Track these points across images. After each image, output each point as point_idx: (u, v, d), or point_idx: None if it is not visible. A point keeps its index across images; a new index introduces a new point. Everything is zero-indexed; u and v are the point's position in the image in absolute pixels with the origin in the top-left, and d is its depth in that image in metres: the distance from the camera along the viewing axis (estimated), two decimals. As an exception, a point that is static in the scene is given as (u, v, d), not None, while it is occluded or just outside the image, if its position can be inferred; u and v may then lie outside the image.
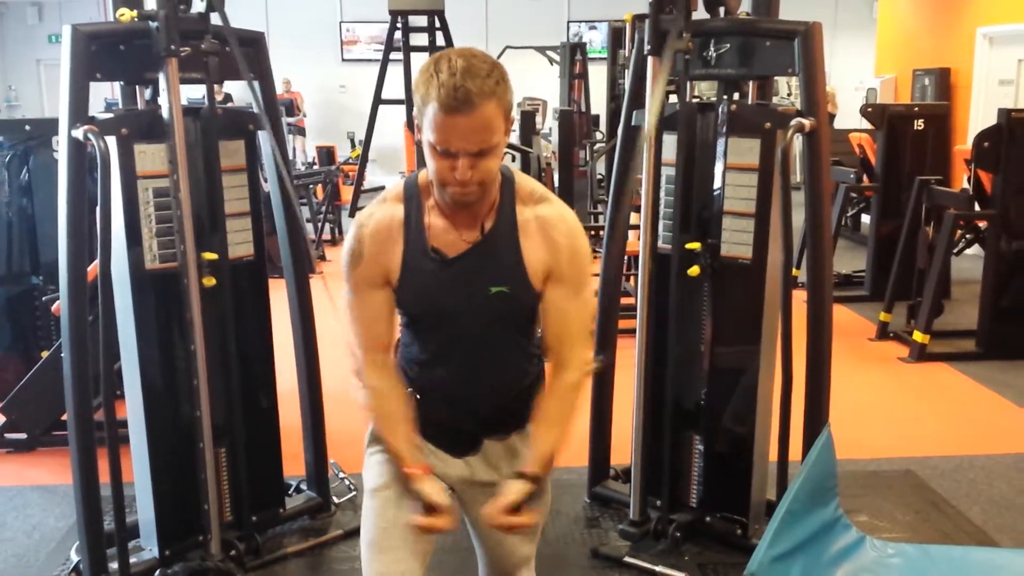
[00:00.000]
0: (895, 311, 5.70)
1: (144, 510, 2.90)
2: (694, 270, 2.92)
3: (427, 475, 1.74)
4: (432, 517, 1.70)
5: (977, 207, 5.43)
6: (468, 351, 1.78)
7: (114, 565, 2.71)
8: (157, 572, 2.81)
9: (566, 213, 1.78)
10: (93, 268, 2.67)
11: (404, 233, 1.73)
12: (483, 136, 1.56)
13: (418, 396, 1.83)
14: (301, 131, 14.38)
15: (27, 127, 4.56)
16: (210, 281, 2.77)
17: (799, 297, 2.75)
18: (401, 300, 1.77)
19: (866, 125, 7.28)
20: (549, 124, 9.31)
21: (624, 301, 3.45)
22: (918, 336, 5.26)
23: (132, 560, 2.76)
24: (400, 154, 10.51)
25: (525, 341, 1.85)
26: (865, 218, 8.47)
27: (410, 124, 7.34)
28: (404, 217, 1.74)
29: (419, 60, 7.62)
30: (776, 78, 3.13)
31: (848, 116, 10.40)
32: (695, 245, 2.96)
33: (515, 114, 1.71)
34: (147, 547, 2.91)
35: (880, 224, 6.72)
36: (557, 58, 9.90)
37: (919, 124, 6.65)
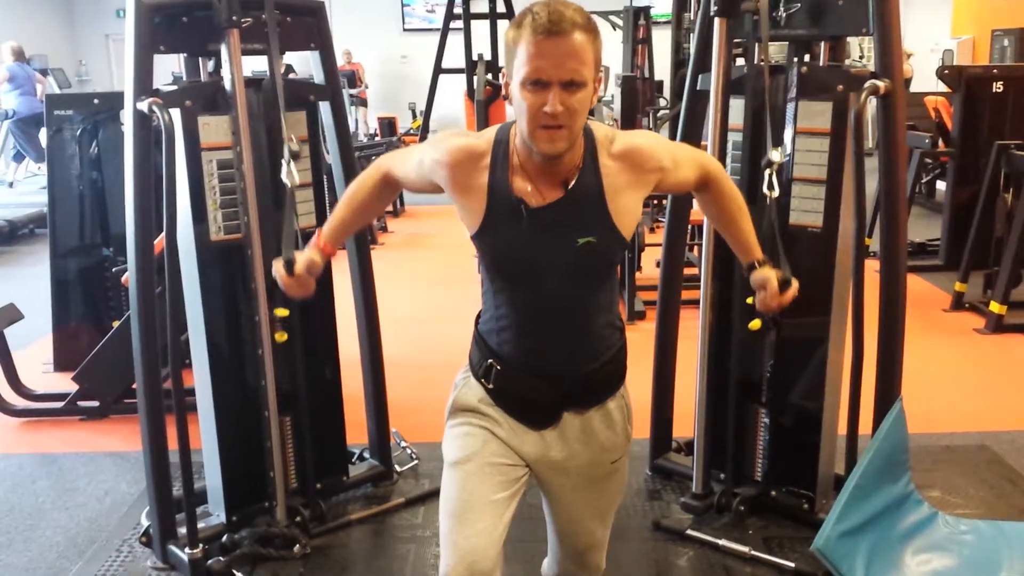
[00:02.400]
0: (971, 281, 5.53)
1: (212, 477, 2.96)
2: (755, 324, 2.73)
3: (324, 252, 1.92)
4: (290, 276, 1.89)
5: (1060, 172, 5.22)
6: (551, 313, 1.76)
7: (183, 530, 2.77)
8: (224, 537, 2.87)
9: (634, 136, 1.77)
10: (160, 240, 2.71)
11: (489, 176, 1.72)
12: (574, 65, 1.56)
13: (498, 367, 1.81)
14: (363, 102, 14.45)
15: (96, 100, 4.65)
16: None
17: (871, 267, 2.66)
18: (484, 244, 1.76)
19: (942, 88, 7.03)
20: (612, 91, 9.19)
21: (687, 271, 3.39)
22: (995, 307, 5.09)
23: (200, 525, 2.81)
24: (461, 124, 10.49)
25: (607, 306, 1.82)
26: (940, 185, 8.22)
27: (470, 93, 7.32)
28: (491, 160, 1.72)
29: (480, 28, 7.56)
30: (849, 39, 3.01)
31: (924, 79, 10.06)
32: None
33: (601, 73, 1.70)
34: (215, 512, 2.97)
35: (956, 191, 6.51)
36: (620, 23, 9.74)
37: (998, 86, 6.39)
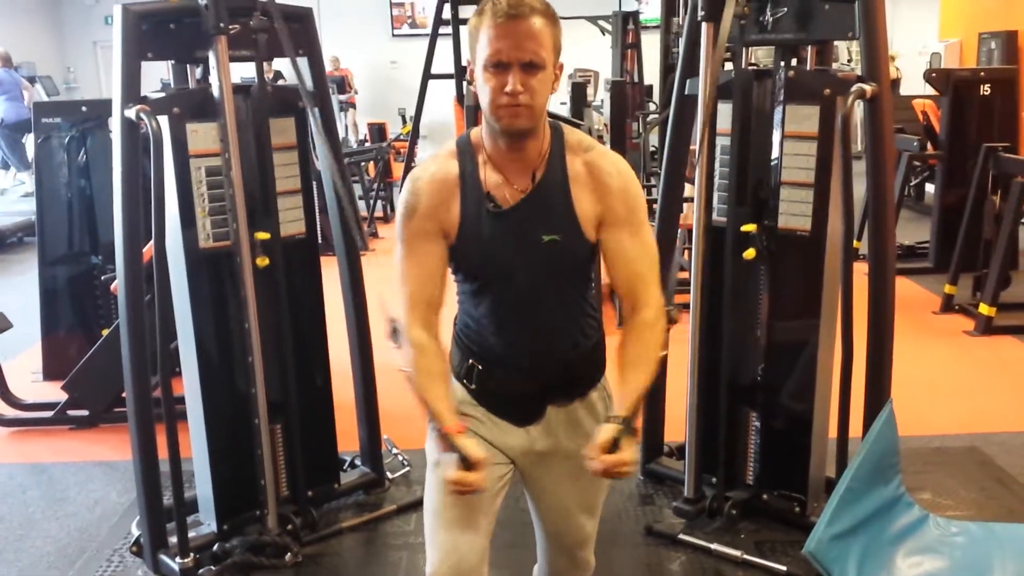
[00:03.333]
0: (960, 283, 5.55)
1: (202, 485, 2.94)
2: (749, 253, 2.84)
3: (464, 433, 1.69)
4: (469, 472, 1.64)
5: (1047, 174, 5.23)
6: (526, 310, 1.77)
7: (174, 539, 2.76)
8: (215, 546, 2.86)
9: (615, 158, 1.79)
10: (149, 248, 2.70)
11: (460, 188, 1.75)
12: (533, 46, 1.61)
13: (479, 366, 1.83)
14: (352, 106, 14.44)
15: (84, 108, 4.63)
16: (263, 261, 2.78)
17: (860, 270, 2.67)
18: (459, 255, 1.77)
19: (930, 91, 7.06)
20: (601, 96, 9.19)
21: (678, 275, 3.39)
22: (984, 309, 5.11)
23: (191, 534, 2.80)
24: (450, 129, 10.48)
25: (582, 300, 1.83)
26: (929, 187, 8.25)
27: (460, 99, 7.32)
28: (459, 172, 1.75)
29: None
30: (836, 43, 3.02)
31: (912, 82, 10.10)
32: (751, 227, 2.88)
33: (566, 66, 1.71)
34: (205, 521, 2.96)
35: (945, 193, 6.53)
36: (609, 28, 9.75)
37: (985, 89, 6.43)
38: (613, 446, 1.61)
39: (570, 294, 1.81)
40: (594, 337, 1.86)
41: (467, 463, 1.63)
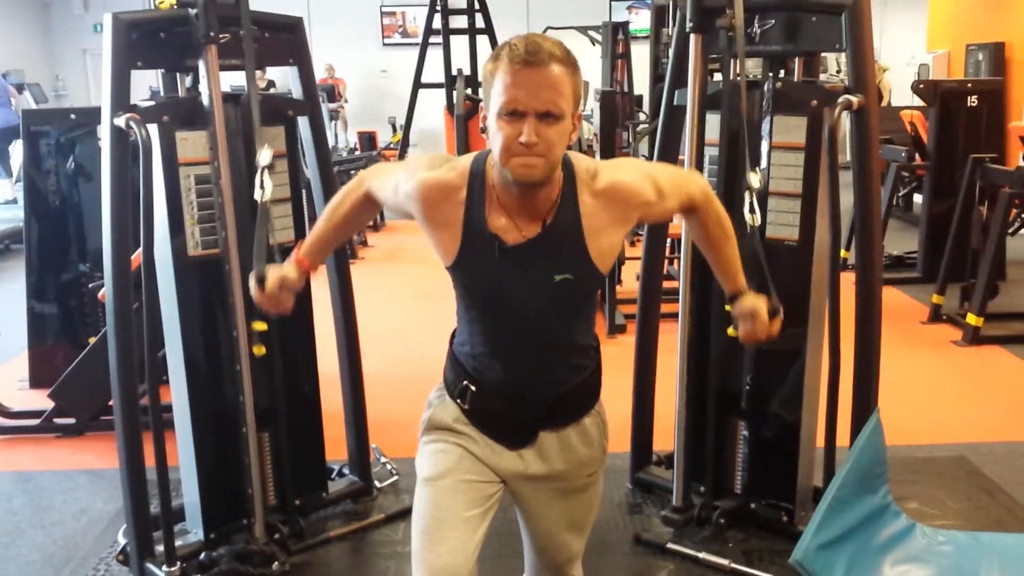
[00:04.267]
0: (948, 293, 5.57)
1: (189, 494, 2.93)
2: (732, 331, 2.77)
3: (301, 268, 1.89)
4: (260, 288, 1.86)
5: (1033, 185, 5.27)
6: (527, 341, 1.75)
7: (160, 548, 2.74)
8: (202, 555, 2.84)
9: (616, 168, 1.75)
10: (137, 255, 2.70)
11: (465, 210, 1.69)
12: (551, 96, 1.55)
13: (473, 388, 1.80)
14: (338, 116, 14.44)
15: (73, 116, 4.62)
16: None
17: (848, 279, 2.68)
18: (459, 277, 1.75)
19: (918, 102, 7.11)
20: (591, 105, 9.22)
21: (667, 285, 3.40)
22: (972, 319, 5.13)
23: (178, 543, 2.79)
24: (440, 138, 10.50)
25: (584, 331, 1.82)
26: (917, 198, 8.29)
27: (450, 108, 7.34)
28: (467, 194, 1.69)
29: (459, 43, 7.59)
30: (825, 55, 3.04)
31: (899, 93, 10.16)
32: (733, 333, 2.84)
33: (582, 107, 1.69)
34: (192, 530, 2.95)
35: (932, 204, 6.57)
36: (599, 38, 9.80)
37: (973, 100, 6.47)
38: (773, 313, 1.86)
39: (572, 327, 1.79)
40: (591, 366, 1.84)
41: (262, 282, 1.86)
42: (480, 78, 1.66)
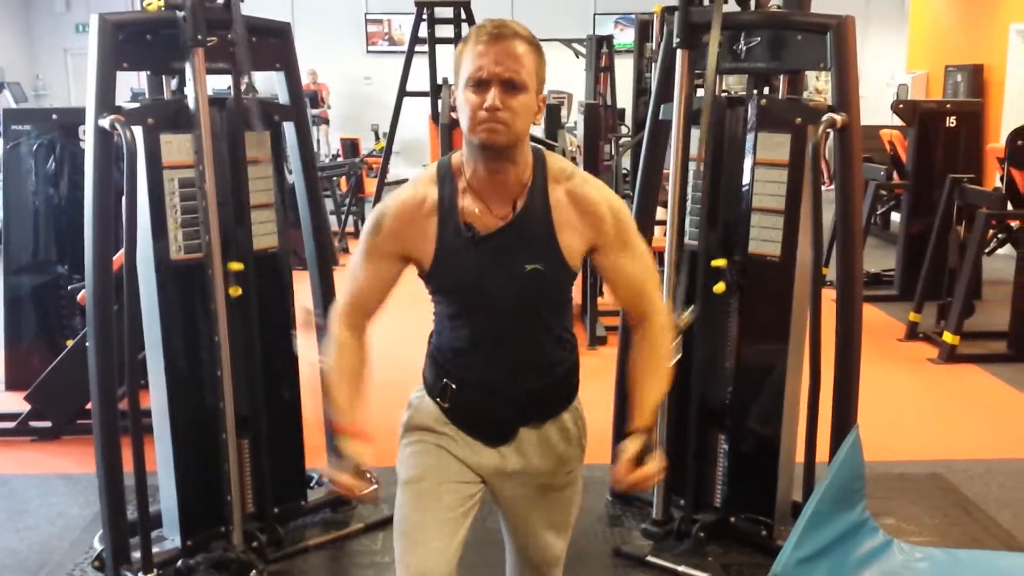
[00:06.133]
0: (925, 311, 5.63)
1: (167, 500, 2.91)
2: (719, 287, 2.85)
3: (359, 437, 1.78)
4: (356, 480, 1.75)
5: (1010, 206, 5.34)
6: (502, 334, 1.77)
7: (137, 554, 2.72)
8: (179, 562, 2.82)
9: (596, 184, 1.78)
10: (118, 258, 2.68)
11: (438, 214, 1.73)
12: (514, 65, 1.62)
13: (453, 386, 1.82)
14: (325, 122, 14.41)
15: (54, 116, 4.58)
16: (236, 291, 2.77)
17: (828, 296, 2.71)
18: (436, 279, 1.77)
19: (897, 122, 7.18)
20: (574, 118, 9.25)
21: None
22: (948, 337, 5.18)
23: (155, 549, 2.76)
24: (424, 147, 10.50)
25: (559, 326, 1.84)
26: (895, 216, 8.38)
27: (435, 116, 7.34)
28: (438, 198, 1.74)
29: (444, 52, 7.59)
30: (808, 73, 3.08)
31: (879, 112, 10.26)
32: (721, 262, 2.90)
33: (545, 92, 1.72)
34: (169, 537, 2.92)
35: (910, 223, 6.64)
36: (583, 51, 9.84)
37: (951, 121, 6.55)
38: (638, 460, 1.69)
39: (548, 320, 1.81)
40: (569, 361, 1.86)
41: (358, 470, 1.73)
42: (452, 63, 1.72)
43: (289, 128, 3.08)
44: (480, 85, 1.62)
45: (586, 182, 1.77)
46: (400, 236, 1.75)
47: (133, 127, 2.56)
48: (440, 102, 7.06)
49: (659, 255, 5.08)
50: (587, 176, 1.80)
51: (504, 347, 1.78)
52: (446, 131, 6.73)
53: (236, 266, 2.78)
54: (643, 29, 8.26)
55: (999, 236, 5.91)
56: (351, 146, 10.65)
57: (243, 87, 2.76)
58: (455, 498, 1.78)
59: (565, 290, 1.83)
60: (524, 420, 1.83)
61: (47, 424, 4.02)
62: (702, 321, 2.97)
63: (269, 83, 3.19)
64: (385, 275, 1.79)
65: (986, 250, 5.65)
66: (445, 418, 1.84)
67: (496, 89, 1.61)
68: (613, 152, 8.16)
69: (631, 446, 1.71)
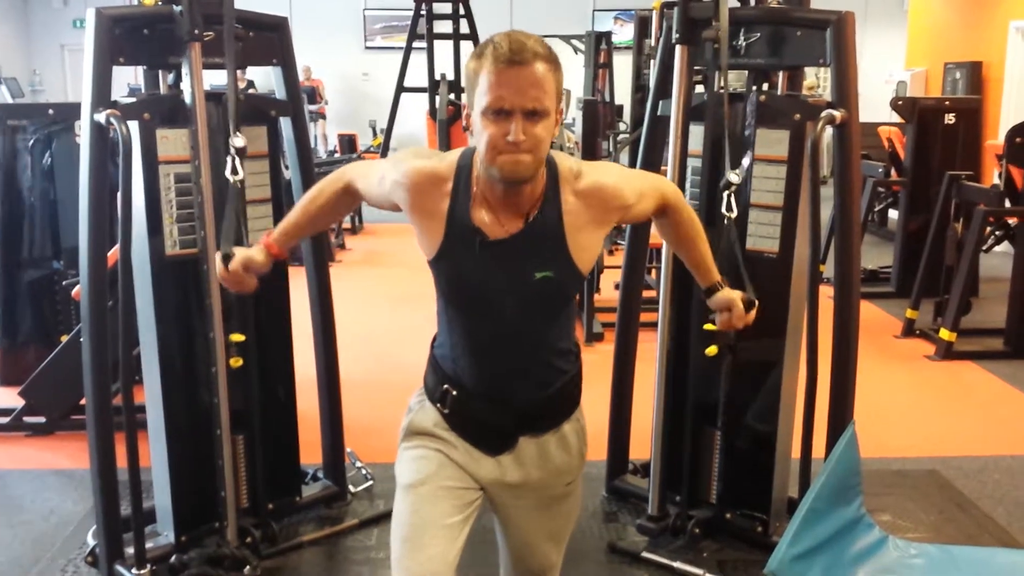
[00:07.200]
0: (922, 308, 5.63)
1: (161, 495, 2.90)
2: (711, 350, 2.78)
3: (269, 250, 1.87)
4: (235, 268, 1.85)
5: (1008, 203, 5.34)
6: (507, 342, 1.75)
7: (130, 550, 2.71)
8: (173, 557, 2.81)
9: (601, 172, 1.76)
10: (113, 253, 2.67)
11: (450, 201, 1.70)
12: (536, 94, 1.56)
13: (454, 392, 1.80)
14: (323, 118, 14.40)
15: (50, 111, 4.57)
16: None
17: (825, 292, 2.70)
18: (442, 277, 1.75)
19: (895, 118, 7.18)
20: (572, 114, 9.24)
21: (646, 294, 3.41)
22: (945, 334, 5.19)
23: (148, 545, 2.76)
24: (422, 142, 10.49)
25: (563, 335, 1.82)
26: (892, 213, 8.38)
27: (432, 113, 7.32)
28: (453, 186, 1.70)
29: (442, 48, 7.58)
30: (807, 69, 3.07)
31: (877, 109, 10.26)
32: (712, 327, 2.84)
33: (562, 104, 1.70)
34: (163, 532, 2.91)
35: (908, 219, 6.64)
36: (582, 47, 9.82)
37: (950, 118, 6.55)
38: (748, 305, 1.91)
39: (552, 328, 1.78)
40: (571, 371, 1.84)
41: (227, 260, 1.85)
42: (463, 77, 1.67)
43: (286, 124, 3.06)
44: (500, 114, 1.57)
45: (592, 172, 1.73)
46: (403, 198, 1.72)
47: (129, 122, 2.54)
48: (438, 98, 7.05)
49: (656, 251, 5.11)
50: (593, 165, 1.78)
51: (506, 355, 1.76)
52: (444, 127, 6.73)
53: (237, 337, 2.77)
54: (642, 25, 8.26)
55: (997, 233, 5.93)
56: (348, 142, 10.65)
57: (242, 84, 2.75)
58: (455, 504, 1.76)
59: (572, 296, 1.82)
60: (524, 430, 1.81)
61: (41, 420, 4.01)
62: (698, 316, 2.96)
63: (269, 79, 3.17)
64: (379, 199, 1.81)
65: (984, 247, 5.66)
66: (445, 424, 1.82)
67: (519, 120, 1.56)
68: (611, 148, 8.17)
69: (731, 294, 1.91)
